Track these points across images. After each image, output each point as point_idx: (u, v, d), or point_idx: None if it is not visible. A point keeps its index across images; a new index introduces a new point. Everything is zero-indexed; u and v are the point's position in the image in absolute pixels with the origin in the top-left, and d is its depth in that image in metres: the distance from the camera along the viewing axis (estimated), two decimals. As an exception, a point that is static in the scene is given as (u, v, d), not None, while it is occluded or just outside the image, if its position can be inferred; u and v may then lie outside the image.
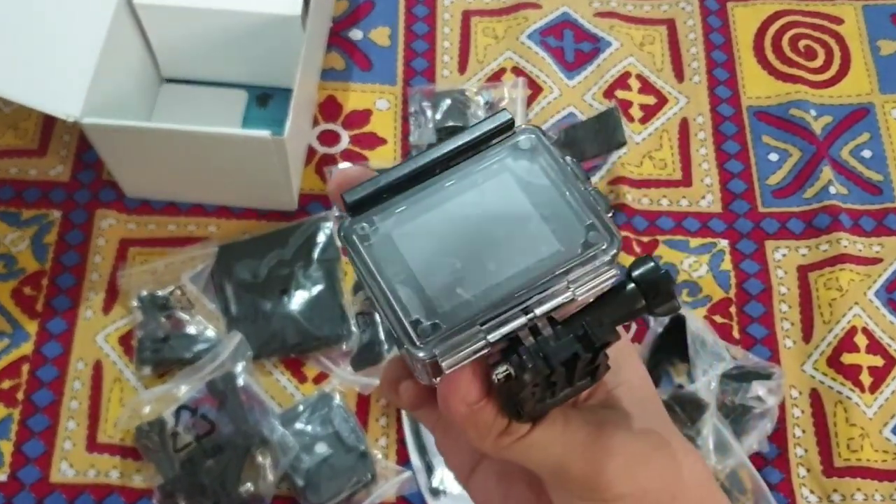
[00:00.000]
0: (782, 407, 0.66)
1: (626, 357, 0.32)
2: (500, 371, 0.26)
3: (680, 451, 0.30)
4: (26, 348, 0.67)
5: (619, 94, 0.78)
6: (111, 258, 0.70)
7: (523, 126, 0.29)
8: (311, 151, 0.75)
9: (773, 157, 0.76)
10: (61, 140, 0.75)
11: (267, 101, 0.76)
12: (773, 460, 0.64)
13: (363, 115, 0.77)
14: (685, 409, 0.62)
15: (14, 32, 0.63)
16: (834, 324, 0.69)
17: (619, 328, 0.27)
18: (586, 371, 0.27)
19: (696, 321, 0.66)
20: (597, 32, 0.81)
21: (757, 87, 0.79)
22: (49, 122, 0.76)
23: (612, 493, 0.28)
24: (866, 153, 0.76)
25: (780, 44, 0.81)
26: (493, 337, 0.25)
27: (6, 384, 0.66)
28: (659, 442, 0.30)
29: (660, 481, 0.29)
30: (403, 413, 0.64)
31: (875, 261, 0.71)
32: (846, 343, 0.68)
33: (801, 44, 0.81)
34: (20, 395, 0.65)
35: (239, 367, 0.64)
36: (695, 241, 0.72)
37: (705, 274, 0.71)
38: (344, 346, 0.66)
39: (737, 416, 0.63)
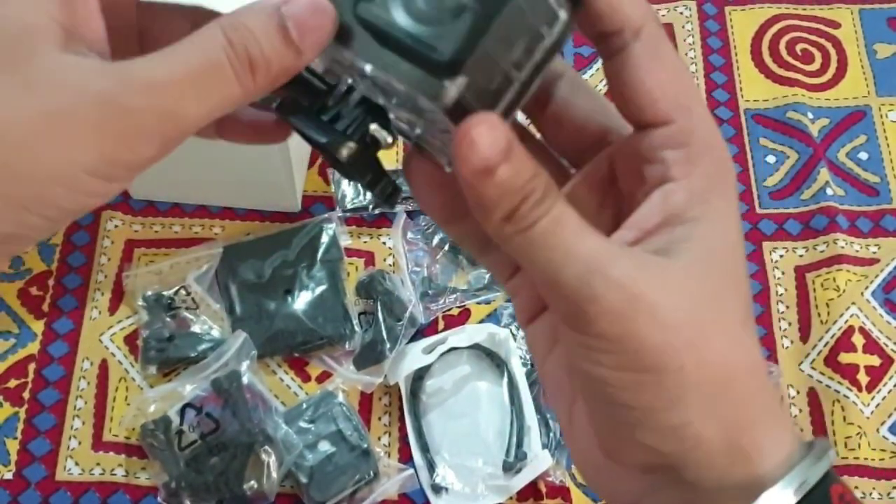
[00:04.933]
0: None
1: (716, 199, 0.27)
2: None
3: (744, 330, 0.27)
4: (32, 348, 0.68)
5: (619, 97, 0.79)
6: (117, 259, 0.71)
7: None
8: (314, 154, 0.76)
9: (771, 159, 0.77)
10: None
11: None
12: (771, 458, 0.65)
13: (365, 118, 0.77)
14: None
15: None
16: (831, 324, 0.69)
17: None
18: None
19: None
20: None
21: (754, 90, 0.80)
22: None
23: (653, 358, 0.25)
24: (863, 155, 0.77)
25: (778, 47, 0.82)
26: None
27: (12, 383, 0.67)
28: (726, 308, 0.27)
29: (720, 356, 0.26)
30: (406, 411, 0.65)
31: (872, 261, 0.72)
32: (843, 343, 0.68)
33: (799, 47, 0.82)
34: (26, 394, 0.66)
35: (243, 366, 0.64)
36: (693, 242, 0.73)
37: (704, 274, 0.72)
38: (347, 346, 0.67)
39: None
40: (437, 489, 0.63)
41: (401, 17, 0.25)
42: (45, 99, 0.24)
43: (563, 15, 0.26)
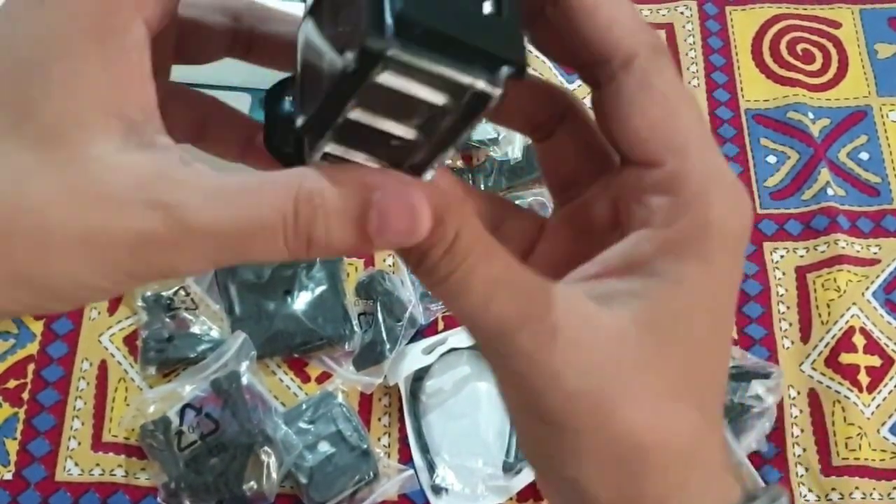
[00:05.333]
0: (781, 406, 0.66)
1: (691, 259, 0.24)
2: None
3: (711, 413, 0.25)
4: (32, 348, 0.68)
5: (619, 97, 0.79)
6: (116, 259, 0.71)
7: None
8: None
9: (772, 159, 0.77)
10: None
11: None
12: (771, 459, 0.65)
13: (365, 118, 0.77)
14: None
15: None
16: (832, 324, 0.69)
17: None
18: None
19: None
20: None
21: (755, 90, 0.80)
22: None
23: (551, 416, 0.24)
24: (864, 155, 0.77)
25: (778, 47, 0.82)
26: None
27: (12, 384, 0.66)
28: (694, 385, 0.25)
29: (628, 427, 0.24)
30: (405, 412, 0.65)
31: (873, 262, 0.72)
32: (844, 343, 0.68)
33: (799, 47, 0.82)
34: (26, 395, 0.66)
35: (243, 367, 0.64)
36: (694, 243, 0.73)
37: (704, 275, 0.72)
38: (346, 346, 0.67)
39: (735, 416, 0.64)
40: (437, 490, 0.62)
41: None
42: (86, 208, 0.22)
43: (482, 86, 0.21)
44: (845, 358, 0.68)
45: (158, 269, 0.23)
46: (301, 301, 0.68)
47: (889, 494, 0.64)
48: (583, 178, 0.28)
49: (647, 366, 0.24)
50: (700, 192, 0.24)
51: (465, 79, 0.21)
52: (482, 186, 0.73)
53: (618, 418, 0.24)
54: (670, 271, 0.24)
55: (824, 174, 0.75)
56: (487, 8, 0.21)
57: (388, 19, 0.19)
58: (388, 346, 0.65)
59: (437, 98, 0.21)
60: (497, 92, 0.21)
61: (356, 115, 0.22)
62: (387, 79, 0.20)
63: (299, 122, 0.23)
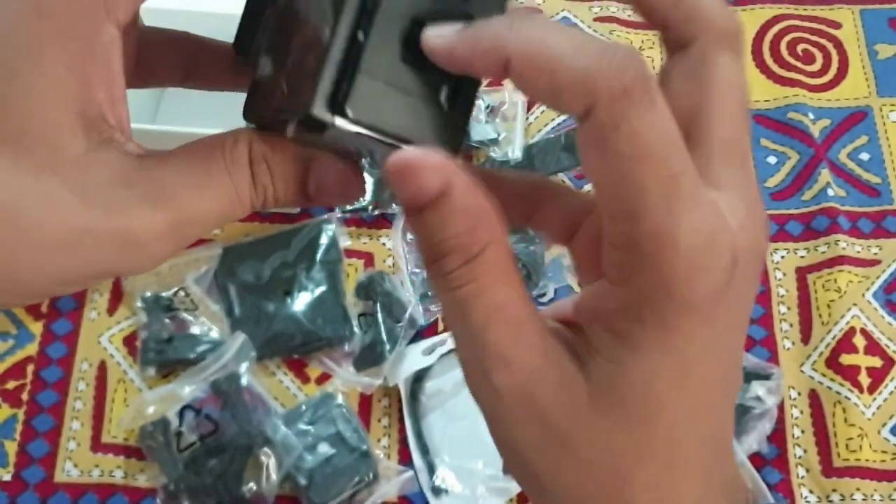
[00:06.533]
0: (781, 407, 0.66)
1: (649, 326, 0.23)
2: None
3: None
4: (31, 349, 0.68)
5: (619, 97, 0.79)
6: (115, 260, 0.71)
7: None
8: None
9: (772, 159, 0.76)
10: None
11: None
12: (772, 460, 0.65)
13: (365, 119, 0.77)
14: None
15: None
16: (832, 325, 0.69)
17: None
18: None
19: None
20: (597, 37, 0.82)
21: (755, 90, 0.79)
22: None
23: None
24: (864, 156, 0.77)
25: (779, 48, 0.82)
26: None
27: (11, 385, 0.66)
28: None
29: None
30: (405, 413, 0.65)
31: (873, 262, 0.72)
32: (845, 344, 0.68)
33: (800, 48, 0.82)
34: (25, 396, 0.66)
35: (242, 368, 0.64)
36: (694, 243, 0.73)
37: (705, 276, 0.71)
38: (346, 347, 0.67)
39: (736, 417, 0.64)
40: (437, 491, 0.62)
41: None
42: (66, 209, 0.23)
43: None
44: (846, 359, 0.68)
45: (140, 263, 0.24)
46: (301, 302, 0.68)
47: (890, 496, 0.64)
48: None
49: (603, 434, 0.24)
50: (654, 254, 0.22)
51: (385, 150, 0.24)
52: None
53: (565, 493, 0.25)
54: (631, 333, 0.23)
55: (825, 175, 0.75)
56: (443, 97, 0.24)
57: (334, 100, 0.22)
58: (387, 347, 0.65)
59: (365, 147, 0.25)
60: None
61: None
62: (330, 133, 0.23)
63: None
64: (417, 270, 0.70)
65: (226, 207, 0.25)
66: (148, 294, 0.68)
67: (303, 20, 0.23)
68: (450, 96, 0.24)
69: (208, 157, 0.25)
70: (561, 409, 0.24)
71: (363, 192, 0.27)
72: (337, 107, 0.22)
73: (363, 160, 0.27)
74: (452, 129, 0.24)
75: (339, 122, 0.23)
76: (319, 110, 0.22)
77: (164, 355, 0.66)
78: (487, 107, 0.77)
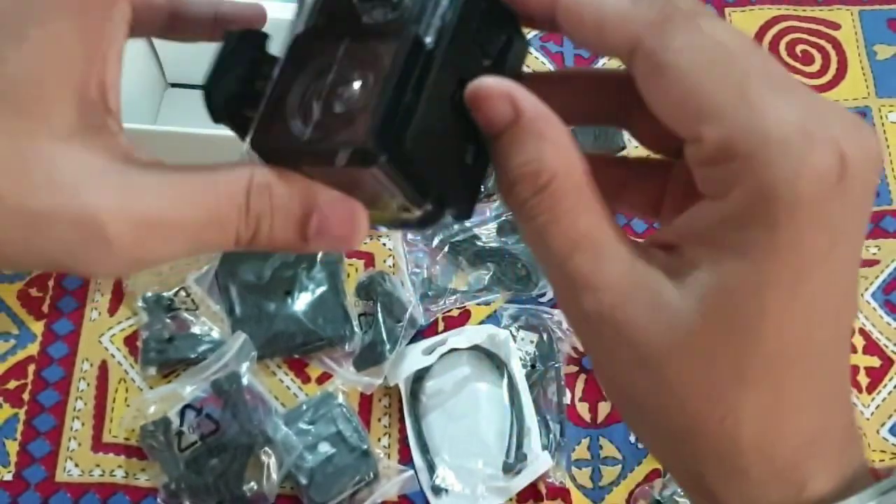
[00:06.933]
0: (780, 407, 0.66)
1: (755, 229, 0.22)
2: None
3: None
4: (32, 349, 0.68)
5: (619, 98, 0.79)
6: (116, 260, 0.71)
7: None
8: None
9: (771, 160, 0.77)
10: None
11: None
12: (771, 460, 0.65)
13: (365, 119, 0.77)
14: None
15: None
16: (831, 325, 0.69)
17: None
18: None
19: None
20: None
21: (755, 91, 0.80)
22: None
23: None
24: (863, 156, 0.77)
25: (778, 49, 0.82)
26: None
27: (12, 384, 0.66)
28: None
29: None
30: (406, 412, 0.65)
31: (872, 262, 0.72)
32: (844, 344, 0.68)
33: (799, 49, 0.82)
34: (26, 396, 0.66)
35: (243, 368, 0.64)
36: (694, 244, 0.73)
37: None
38: (347, 347, 0.67)
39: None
40: (437, 490, 0.62)
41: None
42: (36, 189, 0.22)
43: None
44: (845, 358, 0.68)
45: (98, 258, 0.23)
46: (301, 302, 0.68)
47: (889, 495, 0.64)
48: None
49: (703, 354, 0.22)
50: (747, 156, 0.21)
51: (411, 205, 0.25)
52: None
53: (670, 410, 0.23)
54: (735, 241, 0.22)
55: (824, 175, 0.75)
56: (469, 158, 0.25)
57: (388, 136, 0.23)
58: (388, 347, 0.65)
59: (385, 191, 0.25)
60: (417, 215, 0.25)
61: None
62: (374, 169, 0.24)
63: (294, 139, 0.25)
64: (417, 270, 0.70)
65: (201, 227, 0.23)
66: (149, 294, 0.68)
67: (361, 64, 0.24)
68: (475, 154, 0.25)
69: (197, 172, 0.24)
70: (654, 331, 0.23)
71: (365, 236, 0.25)
72: (394, 142, 0.23)
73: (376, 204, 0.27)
74: (473, 184, 0.26)
75: (389, 158, 0.23)
76: (376, 142, 0.23)
77: (165, 355, 0.67)
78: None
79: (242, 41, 0.26)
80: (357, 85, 0.24)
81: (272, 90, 0.25)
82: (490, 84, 0.23)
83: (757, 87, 0.22)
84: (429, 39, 0.24)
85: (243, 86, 0.26)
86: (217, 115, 0.26)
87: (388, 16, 0.25)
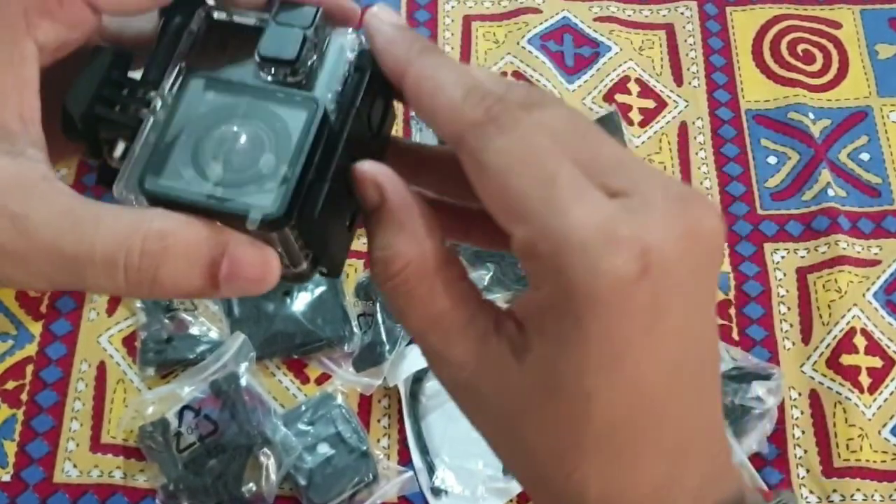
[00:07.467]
0: (781, 408, 0.66)
1: (557, 331, 0.23)
2: None
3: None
4: (30, 349, 0.67)
5: (619, 98, 0.79)
6: (115, 260, 0.71)
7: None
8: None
9: (772, 159, 0.76)
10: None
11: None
12: (772, 461, 0.65)
13: (365, 119, 0.77)
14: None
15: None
16: (833, 325, 0.69)
17: None
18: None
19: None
20: (596, 37, 0.82)
21: (756, 90, 0.79)
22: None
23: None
24: (864, 156, 0.77)
25: (779, 48, 0.82)
26: None
27: (10, 385, 0.66)
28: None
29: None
30: (405, 413, 0.65)
31: (874, 262, 0.72)
32: (845, 344, 0.68)
33: (800, 48, 0.82)
34: (24, 396, 0.66)
35: (242, 368, 0.64)
36: (694, 244, 0.73)
37: (705, 276, 0.71)
38: (346, 347, 0.67)
39: (736, 417, 0.64)
40: (437, 492, 0.62)
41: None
42: None
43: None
44: (846, 359, 0.67)
45: None
46: (300, 302, 0.68)
47: (890, 496, 0.64)
48: None
49: (545, 425, 0.24)
50: (550, 257, 0.23)
51: (291, 264, 0.26)
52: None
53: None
54: (553, 331, 0.24)
55: (825, 175, 0.74)
56: (347, 221, 0.27)
57: (299, 207, 0.25)
58: (387, 348, 0.65)
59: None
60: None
61: None
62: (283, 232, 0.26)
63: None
64: (417, 271, 0.70)
65: (82, 264, 0.23)
66: (147, 294, 0.68)
67: (260, 139, 0.25)
68: (351, 219, 0.27)
69: (105, 209, 0.24)
70: (502, 403, 0.25)
71: (277, 279, 0.25)
72: (303, 213, 0.25)
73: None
74: (348, 245, 0.28)
75: (295, 226, 0.25)
76: (288, 212, 0.24)
77: (164, 355, 0.66)
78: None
79: (112, 59, 0.27)
80: (262, 147, 0.25)
81: (157, 130, 0.26)
82: (365, 170, 0.25)
83: (563, 190, 0.23)
84: (331, 108, 0.26)
85: (103, 106, 0.26)
86: (70, 130, 0.26)
87: (287, 78, 0.26)
